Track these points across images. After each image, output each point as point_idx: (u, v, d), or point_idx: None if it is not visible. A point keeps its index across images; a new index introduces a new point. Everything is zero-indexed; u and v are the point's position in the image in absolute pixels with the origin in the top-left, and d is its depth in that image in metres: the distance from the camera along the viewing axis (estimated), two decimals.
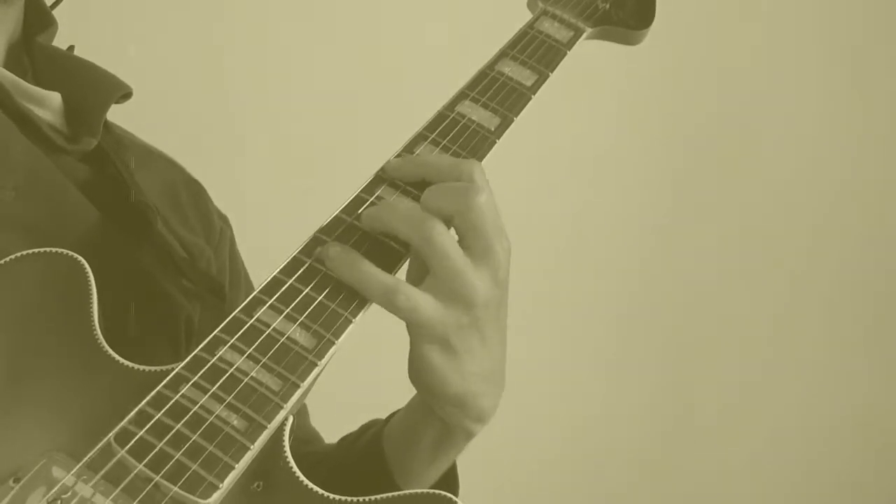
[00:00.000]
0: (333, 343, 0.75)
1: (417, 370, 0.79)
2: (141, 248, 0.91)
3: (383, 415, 0.93)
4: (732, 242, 1.98)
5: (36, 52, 0.96)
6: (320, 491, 0.72)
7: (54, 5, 0.99)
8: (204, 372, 0.72)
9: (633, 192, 1.93)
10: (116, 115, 0.99)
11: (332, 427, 1.02)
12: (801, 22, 1.98)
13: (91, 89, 0.95)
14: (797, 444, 2.01)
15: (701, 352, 1.97)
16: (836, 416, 2.01)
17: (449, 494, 0.73)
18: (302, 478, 0.72)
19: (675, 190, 1.95)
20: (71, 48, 1.00)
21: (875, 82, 2.02)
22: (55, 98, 0.93)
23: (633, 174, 1.92)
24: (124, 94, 0.97)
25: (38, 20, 0.97)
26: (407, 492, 0.74)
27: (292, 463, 0.73)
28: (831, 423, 2.01)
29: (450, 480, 0.89)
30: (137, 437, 0.69)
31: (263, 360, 0.73)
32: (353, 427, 0.96)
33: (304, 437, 1.02)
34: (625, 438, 1.93)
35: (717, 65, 1.94)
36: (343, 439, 0.93)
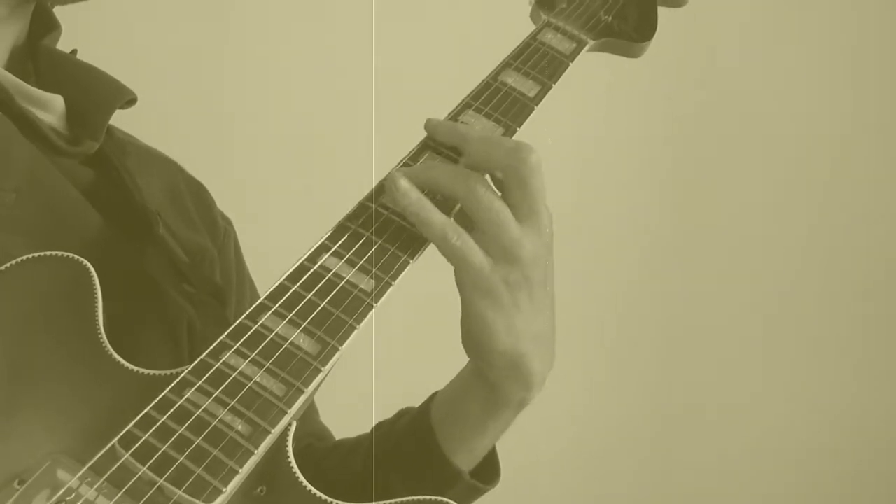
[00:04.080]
0: (338, 349, 0.76)
1: (468, 325, 0.81)
2: (142, 251, 0.91)
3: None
4: (731, 242, 1.98)
5: (40, 55, 0.96)
6: (323, 496, 0.72)
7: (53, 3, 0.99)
8: (209, 377, 0.73)
9: (632, 190, 1.93)
10: (116, 118, 0.99)
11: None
12: (801, 21, 1.98)
13: (95, 93, 0.95)
14: (798, 444, 2.00)
15: (700, 351, 1.97)
16: (836, 416, 2.00)
17: (449, 501, 0.74)
18: (305, 482, 0.73)
19: (672, 189, 1.95)
20: (74, 52, 1.00)
21: (874, 81, 2.02)
22: (58, 101, 0.93)
23: (632, 175, 1.92)
24: (129, 99, 0.97)
25: (42, 23, 0.97)
26: (409, 498, 0.74)
27: (295, 468, 0.73)
28: (831, 422, 2.00)
29: (492, 466, 0.89)
30: (142, 440, 0.69)
31: (268, 366, 0.74)
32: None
33: (318, 433, 1.02)
34: (623, 438, 1.93)
35: (716, 67, 1.94)
36: (379, 425, 0.93)
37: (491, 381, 0.83)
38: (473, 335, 0.81)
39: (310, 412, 1.00)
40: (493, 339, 0.80)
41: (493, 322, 0.80)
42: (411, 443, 0.88)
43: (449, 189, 0.80)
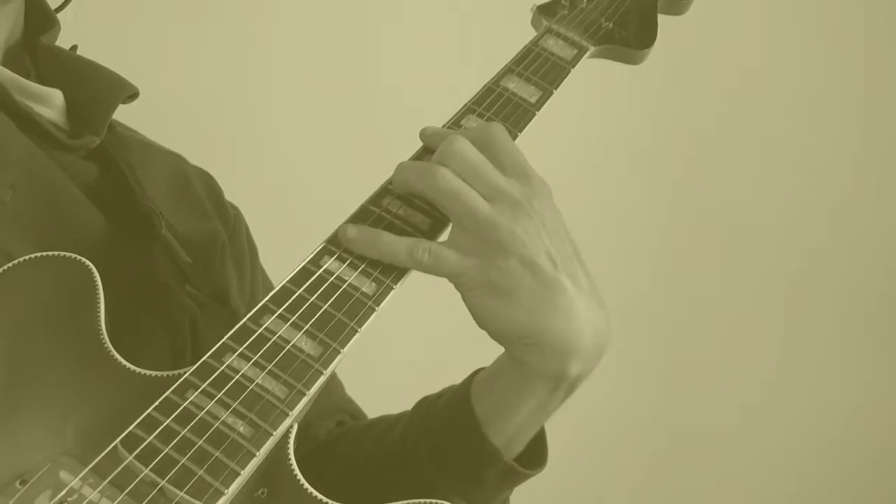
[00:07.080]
0: (339, 352, 0.76)
1: (478, 319, 0.80)
2: (144, 250, 0.91)
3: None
4: (736, 244, 1.98)
5: (39, 52, 0.95)
6: (324, 498, 0.72)
7: (59, 8, 0.98)
8: (212, 379, 0.73)
9: (638, 193, 1.93)
10: (118, 113, 0.99)
11: None
12: (804, 23, 1.98)
13: (95, 88, 0.94)
14: (800, 446, 2.00)
15: (704, 353, 1.97)
16: (839, 418, 2.01)
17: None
18: (306, 485, 0.73)
19: (678, 192, 1.95)
20: (74, 48, 0.99)
21: (879, 83, 2.02)
22: (56, 95, 0.92)
23: (638, 178, 1.93)
24: (131, 94, 0.96)
25: (40, 21, 0.96)
26: (408, 501, 0.74)
27: (297, 470, 0.73)
28: (835, 425, 2.01)
29: (539, 454, 0.86)
30: (145, 442, 0.69)
31: (270, 368, 0.74)
32: None
33: (351, 411, 1.02)
34: (628, 440, 1.93)
35: (722, 69, 1.95)
36: (423, 400, 0.90)
37: (514, 355, 0.81)
38: (487, 325, 0.80)
39: (333, 387, 0.99)
40: (506, 322, 0.79)
41: (498, 310, 0.79)
42: (449, 418, 0.85)
43: (414, 188, 0.81)
